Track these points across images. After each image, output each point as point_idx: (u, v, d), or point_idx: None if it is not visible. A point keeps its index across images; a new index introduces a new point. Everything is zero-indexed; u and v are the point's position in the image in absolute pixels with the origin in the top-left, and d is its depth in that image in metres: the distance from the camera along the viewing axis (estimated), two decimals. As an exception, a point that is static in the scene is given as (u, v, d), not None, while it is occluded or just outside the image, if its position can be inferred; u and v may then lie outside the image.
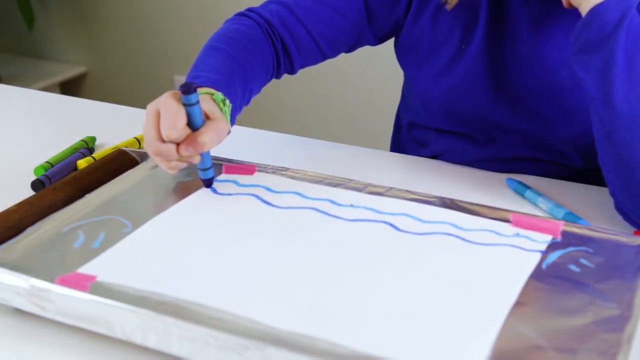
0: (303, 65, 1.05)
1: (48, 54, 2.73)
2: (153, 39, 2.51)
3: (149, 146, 0.80)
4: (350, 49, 1.06)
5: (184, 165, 0.83)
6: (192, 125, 0.80)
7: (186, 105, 0.79)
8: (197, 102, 0.79)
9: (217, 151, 0.98)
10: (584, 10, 0.81)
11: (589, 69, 0.81)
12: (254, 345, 0.59)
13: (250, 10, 1.05)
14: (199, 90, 0.84)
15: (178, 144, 0.79)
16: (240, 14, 1.05)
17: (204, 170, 0.84)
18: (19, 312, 0.69)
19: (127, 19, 2.53)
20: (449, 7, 0.97)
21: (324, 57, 1.05)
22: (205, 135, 0.79)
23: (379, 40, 1.06)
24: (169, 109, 0.79)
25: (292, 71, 1.05)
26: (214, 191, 0.85)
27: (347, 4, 1.01)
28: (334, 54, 1.06)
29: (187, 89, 0.78)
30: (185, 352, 0.61)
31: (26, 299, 0.67)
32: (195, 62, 0.95)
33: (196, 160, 0.81)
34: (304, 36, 1.02)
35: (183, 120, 0.78)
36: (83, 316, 0.65)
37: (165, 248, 0.73)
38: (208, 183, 0.85)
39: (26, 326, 0.68)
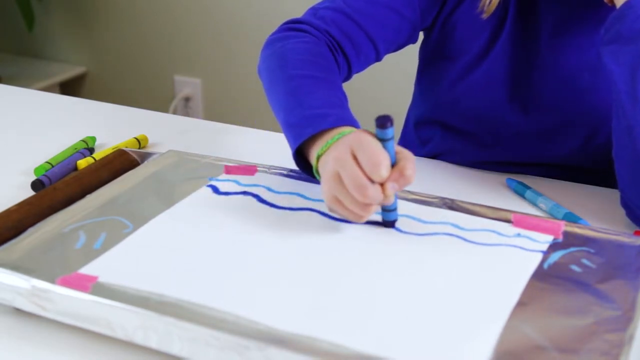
0: (357, 72, 1.00)
1: (48, 54, 2.72)
2: (153, 39, 2.51)
3: (356, 191, 0.71)
4: (397, 49, 1.02)
5: (377, 209, 0.75)
6: None
7: (382, 140, 0.73)
8: (393, 136, 0.73)
9: (218, 152, 0.98)
10: (618, 2, 0.82)
11: (619, 61, 0.81)
12: (255, 346, 0.59)
13: (297, 22, 0.97)
14: (343, 130, 0.78)
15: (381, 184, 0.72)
16: (287, 29, 0.97)
17: (390, 211, 0.77)
18: (19, 312, 0.69)
19: (127, 19, 2.53)
20: (485, 16, 0.94)
21: (377, 60, 1.00)
22: (410, 169, 0.73)
23: (417, 37, 1.03)
24: (369, 148, 0.72)
25: (346, 79, 0.99)
26: (215, 191, 0.84)
27: (404, 1, 0.97)
28: (384, 56, 1.00)
29: (384, 123, 0.72)
30: (186, 352, 0.61)
31: (27, 299, 0.67)
32: (293, 97, 0.85)
33: (391, 200, 0.74)
34: (365, 42, 0.96)
35: (387, 156, 0.72)
36: (84, 316, 0.65)
37: (166, 248, 0.73)
38: (392, 224, 0.78)
39: (26, 326, 0.68)
